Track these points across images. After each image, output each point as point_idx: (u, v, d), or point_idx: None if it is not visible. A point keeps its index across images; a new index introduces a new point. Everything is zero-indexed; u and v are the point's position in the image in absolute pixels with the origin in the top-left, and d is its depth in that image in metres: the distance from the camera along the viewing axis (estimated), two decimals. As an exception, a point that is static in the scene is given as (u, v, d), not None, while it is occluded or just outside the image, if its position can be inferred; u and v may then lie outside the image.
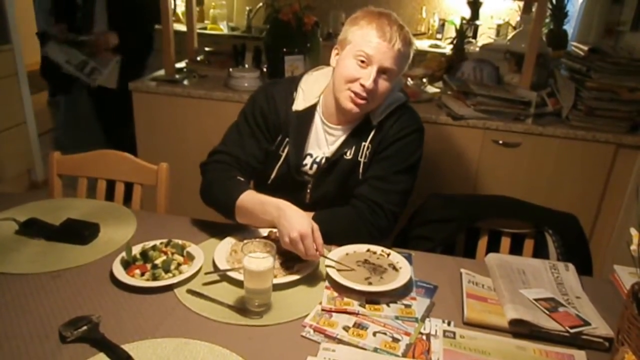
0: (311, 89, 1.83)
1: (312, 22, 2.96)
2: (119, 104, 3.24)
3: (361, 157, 1.78)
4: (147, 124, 3.06)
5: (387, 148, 1.77)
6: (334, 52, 1.76)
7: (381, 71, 1.66)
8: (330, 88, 1.77)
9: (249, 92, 2.83)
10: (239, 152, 1.78)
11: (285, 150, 1.80)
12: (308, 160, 1.83)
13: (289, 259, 1.55)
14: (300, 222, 1.47)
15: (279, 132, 1.81)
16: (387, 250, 1.63)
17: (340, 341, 1.26)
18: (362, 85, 1.65)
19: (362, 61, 1.64)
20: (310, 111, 1.80)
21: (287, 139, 1.80)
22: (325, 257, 1.53)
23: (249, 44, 3.47)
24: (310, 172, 1.84)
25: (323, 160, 1.82)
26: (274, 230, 1.64)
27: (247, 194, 1.63)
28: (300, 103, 1.80)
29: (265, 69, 3.22)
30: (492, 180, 2.80)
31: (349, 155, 1.79)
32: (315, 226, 1.49)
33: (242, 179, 1.72)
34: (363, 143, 1.78)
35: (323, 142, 1.82)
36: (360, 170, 1.79)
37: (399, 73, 1.71)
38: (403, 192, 1.77)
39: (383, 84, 1.68)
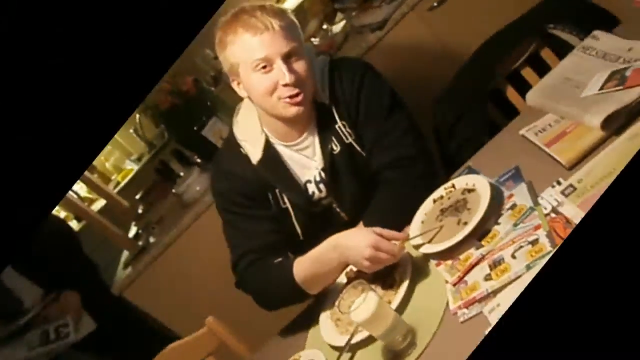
0: (250, 132, 1.81)
1: (190, 84, 2.96)
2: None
3: (347, 139, 1.76)
4: (159, 304, 3.03)
5: (357, 111, 1.75)
6: (234, 84, 1.74)
7: (286, 57, 1.62)
8: (265, 115, 1.76)
9: (206, 191, 2.87)
10: (254, 242, 1.76)
11: (286, 200, 1.79)
12: (311, 187, 1.82)
13: (382, 277, 1.55)
14: (358, 239, 1.50)
15: (265, 192, 1.79)
16: (449, 183, 1.63)
17: (494, 292, 1.25)
18: (286, 85, 1.62)
19: (264, 67, 1.61)
20: (269, 150, 1.78)
21: (276, 191, 1.78)
22: (411, 239, 1.54)
23: (164, 155, 3.52)
24: (322, 194, 1.84)
25: (322, 174, 1.80)
26: (349, 269, 1.65)
27: (298, 265, 1.64)
28: (254, 152, 1.77)
29: (198, 161, 3.18)
30: (457, 44, 2.71)
31: (336, 147, 1.76)
32: (374, 229, 1.51)
33: (279, 259, 1.71)
34: (335, 126, 1.76)
35: (305, 161, 1.81)
36: (357, 148, 1.77)
37: (302, 44, 1.69)
38: (408, 129, 1.75)
39: (300, 65, 1.65)
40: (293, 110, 1.67)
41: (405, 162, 1.71)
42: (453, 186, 1.61)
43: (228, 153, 1.85)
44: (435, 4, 2.70)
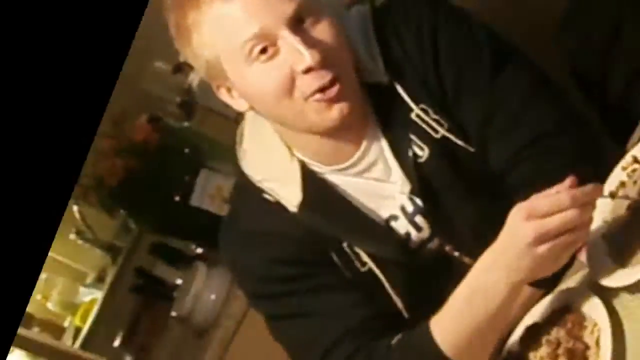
0: (274, 164, 1.74)
1: (148, 129, 3.03)
2: None
3: (437, 132, 1.67)
4: None
5: (441, 79, 1.66)
6: (221, 94, 1.67)
7: (296, 24, 1.53)
8: (289, 132, 1.69)
9: (228, 295, 2.89)
10: (341, 323, 1.66)
11: (364, 256, 1.70)
12: (401, 226, 1.74)
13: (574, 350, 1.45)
14: (511, 230, 1.36)
15: (326, 253, 1.71)
16: (629, 157, 1.57)
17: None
18: (307, 70, 1.51)
19: (264, 50, 1.52)
20: (312, 184, 1.71)
21: (344, 245, 1.70)
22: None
23: (140, 260, 3.57)
24: (422, 233, 1.76)
25: (412, 201, 1.73)
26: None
27: (436, 324, 1.49)
28: (289, 194, 1.70)
29: (198, 252, 3.27)
30: None
31: (421, 151, 1.68)
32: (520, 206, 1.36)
33: (391, 341, 1.60)
34: (412, 115, 1.67)
35: (377, 187, 1.74)
36: (458, 142, 1.68)
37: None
38: (533, 86, 1.66)
39: (322, 29, 1.56)
40: (334, 114, 1.56)
41: (543, 144, 1.62)
42: (636, 160, 1.53)
43: (246, 208, 1.79)
44: None
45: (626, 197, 1.50)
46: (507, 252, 1.36)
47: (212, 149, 3.00)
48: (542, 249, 1.31)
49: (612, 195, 1.47)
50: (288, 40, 1.48)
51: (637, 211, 1.46)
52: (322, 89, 1.51)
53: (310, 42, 1.49)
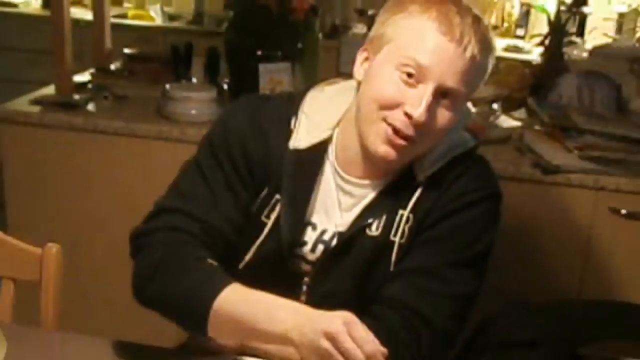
0: (320, 116, 1.82)
1: (307, 8, 3.01)
2: None
3: (395, 236, 1.75)
4: (23, 179, 3.09)
5: (439, 223, 1.75)
6: (360, 56, 1.77)
7: (441, 93, 1.64)
8: (352, 117, 1.78)
9: (199, 124, 2.87)
10: (208, 214, 1.74)
11: (273, 216, 1.78)
12: (310, 235, 1.82)
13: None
14: (327, 319, 1.44)
15: (265, 184, 1.79)
16: None
17: None
18: (408, 115, 1.62)
19: (410, 75, 1.62)
20: (317, 152, 1.80)
21: (276, 197, 1.78)
22: None
23: (198, 43, 3.49)
24: (311, 255, 1.81)
25: (333, 238, 1.81)
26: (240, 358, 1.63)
27: (234, 292, 1.56)
28: (302, 137, 1.79)
29: (226, 85, 3.26)
30: (610, 274, 2.82)
31: (375, 230, 1.75)
32: (352, 317, 1.44)
33: (215, 263, 1.67)
34: (401, 212, 1.75)
35: (334, 206, 1.82)
36: (393, 256, 1.75)
37: (468, 97, 1.74)
38: (463, 297, 1.74)
39: (443, 115, 1.67)
40: (383, 149, 1.67)
41: (419, 324, 1.67)
42: None
43: (278, 106, 1.87)
44: (623, 211, 2.76)
45: None
46: (311, 322, 1.45)
47: (309, 56, 3.09)
48: (326, 345, 1.40)
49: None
50: (424, 92, 1.60)
51: None
52: (397, 131, 1.63)
53: (431, 110, 1.61)
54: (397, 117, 1.63)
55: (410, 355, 1.63)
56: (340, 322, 1.40)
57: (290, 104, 1.84)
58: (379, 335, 1.47)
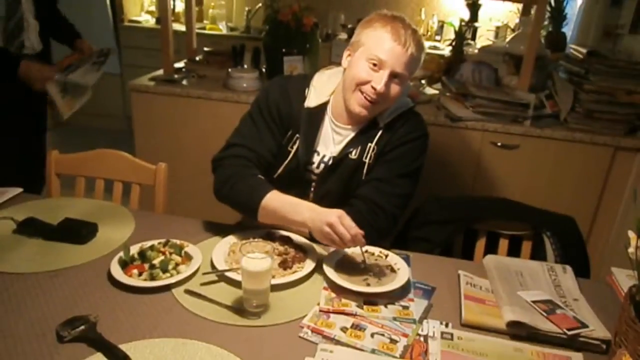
0: (323, 87, 1.83)
1: (311, 23, 2.97)
2: None
3: (366, 158, 1.78)
4: (145, 124, 3.06)
5: (392, 151, 1.77)
6: (345, 53, 1.76)
7: (393, 75, 1.66)
8: (341, 88, 1.78)
9: (248, 92, 2.92)
10: (257, 146, 1.77)
11: (295, 147, 1.80)
12: (316, 158, 1.83)
13: (288, 259, 1.55)
14: (326, 213, 1.51)
15: (289, 127, 1.80)
16: (385, 252, 1.64)
17: (337, 342, 1.26)
18: (374, 88, 1.66)
19: (375, 64, 1.65)
20: (321, 109, 1.81)
21: (296, 135, 1.80)
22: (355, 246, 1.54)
23: (247, 45, 3.47)
24: (317, 170, 1.84)
25: (329, 159, 1.82)
26: (274, 230, 1.69)
27: (273, 195, 1.62)
28: (312, 100, 1.80)
29: (264, 70, 3.23)
30: (491, 182, 2.80)
31: (354, 155, 1.78)
32: (342, 212, 1.51)
33: (262, 178, 1.71)
34: (369, 144, 1.78)
35: (330, 141, 1.83)
36: (364, 171, 1.78)
37: (409, 77, 1.71)
38: (404, 195, 1.76)
39: (394, 88, 1.69)
40: (358, 109, 1.72)
41: (377, 210, 1.72)
42: (387, 256, 1.62)
43: (298, 81, 1.86)
44: (498, 144, 2.72)
45: (368, 257, 1.59)
46: (318, 214, 1.53)
47: (313, 52, 3.06)
48: (327, 229, 1.47)
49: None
50: (383, 74, 1.65)
51: (366, 263, 1.57)
52: (367, 98, 1.69)
53: (387, 84, 1.66)
54: (367, 90, 1.68)
55: (372, 227, 1.66)
56: (336, 216, 1.49)
57: (305, 81, 1.85)
58: (353, 216, 1.53)
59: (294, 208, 1.58)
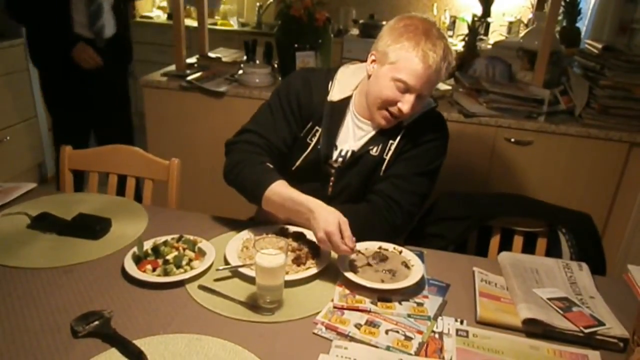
0: (347, 82, 1.82)
1: (324, 18, 2.94)
2: None
3: (386, 155, 1.77)
4: (157, 119, 3.07)
5: (412, 149, 1.76)
6: (370, 57, 1.71)
7: (418, 96, 1.66)
8: (363, 87, 1.77)
9: (260, 88, 2.91)
10: (270, 135, 1.77)
11: (315, 139, 1.80)
12: (336, 152, 1.82)
13: (302, 255, 1.55)
14: (326, 219, 1.47)
15: (310, 120, 1.80)
16: (400, 248, 1.62)
17: (352, 339, 1.26)
18: (400, 110, 1.66)
19: (401, 86, 1.63)
20: (344, 103, 1.80)
21: (316, 128, 1.80)
22: (359, 252, 1.55)
23: (259, 40, 3.45)
24: (336, 164, 1.82)
25: (349, 154, 1.81)
26: (287, 226, 1.68)
27: (279, 185, 1.61)
28: (336, 94, 1.80)
29: (276, 65, 3.21)
30: (504, 178, 2.77)
31: (374, 151, 1.77)
32: (344, 220, 1.48)
33: (271, 166, 1.70)
34: (390, 141, 1.77)
35: (351, 136, 1.81)
36: (384, 167, 1.77)
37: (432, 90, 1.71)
38: (421, 194, 1.76)
39: (417, 104, 1.69)
40: (383, 122, 1.73)
41: (394, 206, 1.71)
42: (401, 252, 1.61)
43: (321, 74, 1.85)
44: (512, 140, 2.69)
45: (382, 253, 1.58)
46: (315, 218, 1.50)
47: (324, 47, 3.03)
48: (324, 236, 1.47)
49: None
50: (410, 98, 1.64)
51: (379, 258, 1.55)
52: (392, 115, 1.69)
53: (413, 106, 1.65)
54: (393, 110, 1.67)
55: (388, 223, 1.71)
56: (337, 222, 1.47)
57: (329, 74, 1.85)
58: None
59: (294, 204, 1.57)
